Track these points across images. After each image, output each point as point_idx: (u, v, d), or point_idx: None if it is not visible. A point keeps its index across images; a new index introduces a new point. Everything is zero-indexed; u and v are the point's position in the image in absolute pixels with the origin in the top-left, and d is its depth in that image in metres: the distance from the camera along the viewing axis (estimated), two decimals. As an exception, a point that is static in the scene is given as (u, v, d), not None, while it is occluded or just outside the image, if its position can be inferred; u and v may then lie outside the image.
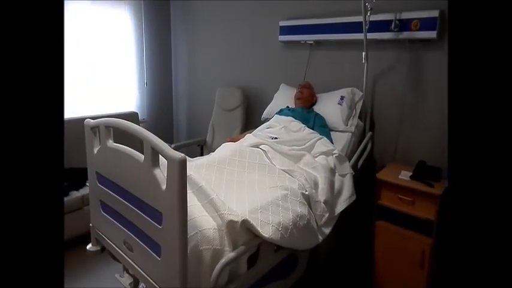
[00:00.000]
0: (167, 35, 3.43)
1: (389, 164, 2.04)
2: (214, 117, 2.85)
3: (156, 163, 0.98)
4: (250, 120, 2.72)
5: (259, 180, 1.44)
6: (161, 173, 0.96)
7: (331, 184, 1.62)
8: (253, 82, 2.80)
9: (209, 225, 1.03)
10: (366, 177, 1.95)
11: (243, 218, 1.06)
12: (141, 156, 1.03)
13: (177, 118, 3.63)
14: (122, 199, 1.13)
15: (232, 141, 1.90)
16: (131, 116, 3.01)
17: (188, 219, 1.03)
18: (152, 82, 3.35)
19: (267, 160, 1.58)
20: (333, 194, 1.61)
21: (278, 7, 2.49)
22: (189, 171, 1.26)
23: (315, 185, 1.54)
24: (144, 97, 3.29)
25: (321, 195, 1.52)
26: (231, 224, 1.03)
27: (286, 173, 1.53)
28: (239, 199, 1.25)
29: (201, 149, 2.87)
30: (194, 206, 1.08)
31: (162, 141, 0.95)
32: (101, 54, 2.90)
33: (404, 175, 1.81)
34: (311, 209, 1.45)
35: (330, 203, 1.55)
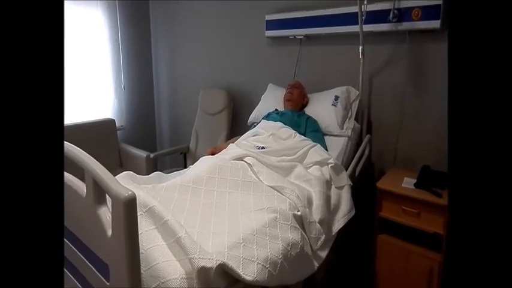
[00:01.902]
0: (146, 34, 3.17)
1: (389, 169, 1.84)
2: (198, 122, 2.61)
3: (100, 200, 0.75)
4: (237, 124, 2.50)
5: (243, 201, 1.23)
6: (107, 213, 0.74)
7: (327, 199, 1.41)
8: (238, 82, 2.57)
9: (175, 274, 0.81)
10: (363, 184, 1.75)
11: (219, 262, 0.84)
12: (84, 189, 0.80)
13: (159, 123, 3.37)
14: (67, 240, 0.90)
15: (213, 153, 1.68)
16: (107, 124, 2.77)
17: (148, 266, 0.81)
18: (131, 85, 3.09)
19: (253, 175, 1.36)
20: (329, 211, 1.41)
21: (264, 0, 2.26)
22: (156, 198, 1.05)
23: (309, 202, 1.33)
24: (122, 102, 3.03)
25: (316, 214, 1.31)
26: (203, 271, 0.81)
27: (275, 190, 1.32)
28: (218, 230, 1.03)
29: (184, 157, 2.64)
30: (157, 247, 0.86)
31: (106, 171, 0.72)
32: (72, 57, 2.63)
33: (408, 183, 1.62)
34: (305, 232, 1.24)
35: (326, 221, 1.35)
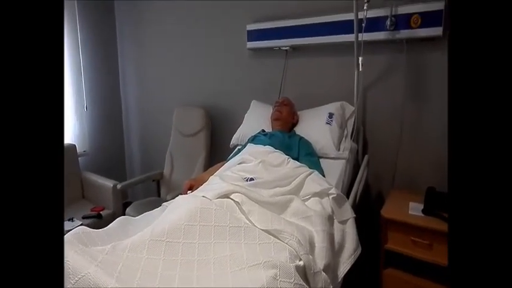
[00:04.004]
0: (112, 47, 2.84)
1: (389, 192, 1.65)
2: (172, 144, 2.32)
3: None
4: (217, 146, 2.24)
5: (232, 255, 0.96)
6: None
7: (331, 239, 1.18)
8: (217, 99, 2.32)
9: None
10: (360, 209, 1.54)
11: None
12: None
13: (129, 147, 3.02)
14: None
15: (191, 187, 1.41)
16: (66, 150, 2.41)
17: None
18: (94, 105, 2.74)
19: (242, 217, 1.11)
20: (334, 252, 1.18)
21: (244, 8, 2.05)
22: (116, 265, 0.77)
23: (311, 244, 1.10)
24: (85, 124, 2.67)
25: (320, 259, 1.08)
26: None
27: (271, 235, 1.06)
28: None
29: (157, 185, 2.33)
30: None
31: None
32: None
33: (415, 209, 1.44)
34: (309, 286, 1.00)
35: (332, 266, 1.12)
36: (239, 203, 1.15)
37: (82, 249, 0.81)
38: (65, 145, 2.43)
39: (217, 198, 1.15)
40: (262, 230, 1.07)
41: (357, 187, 1.47)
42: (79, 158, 2.52)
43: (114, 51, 2.86)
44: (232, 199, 1.16)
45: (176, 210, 1.09)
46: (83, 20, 2.57)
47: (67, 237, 0.90)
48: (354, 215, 1.32)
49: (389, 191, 1.65)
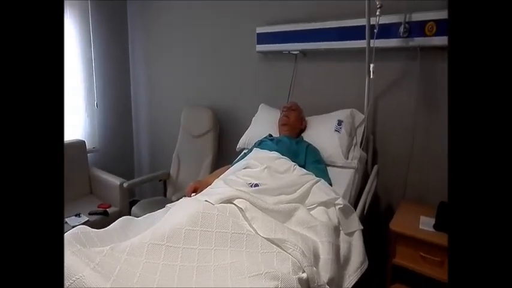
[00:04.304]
0: (123, 45, 2.87)
1: (399, 204, 1.60)
2: (180, 145, 2.32)
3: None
4: (224, 149, 2.22)
5: (233, 263, 0.94)
6: None
7: (337, 251, 1.15)
8: (226, 101, 2.31)
9: None
10: (369, 221, 1.50)
11: None
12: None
13: (138, 146, 3.04)
14: None
15: (196, 189, 1.40)
16: (76, 146, 2.44)
17: None
18: (105, 102, 2.77)
19: (245, 224, 1.08)
20: (339, 264, 1.14)
21: (254, 10, 2.04)
22: (114, 268, 0.76)
23: (315, 256, 1.06)
24: (95, 121, 2.69)
25: (324, 272, 1.04)
26: None
27: (274, 244, 1.03)
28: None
29: (164, 184, 2.32)
30: None
31: None
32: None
33: (426, 224, 1.39)
34: (312, 299, 0.96)
35: (336, 279, 1.08)
36: (242, 209, 1.12)
37: (79, 250, 0.80)
38: (74, 141, 2.46)
39: (221, 203, 1.13)
40: (264, 238, 1.04)
41: (365, 198, 1.43)
42: (88, 154, 2.54)
43: (126, 50, 2.89)
44: (235, 205, 1.14)
45: (178, 213, 1.07)
46: (95, 20, 2.60)
47: (65, 236, 0.89)
48: (361, 227, 1.28)
49: (399, 203, 1.60)
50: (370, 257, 1.27)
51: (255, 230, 1.07)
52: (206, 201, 1.12)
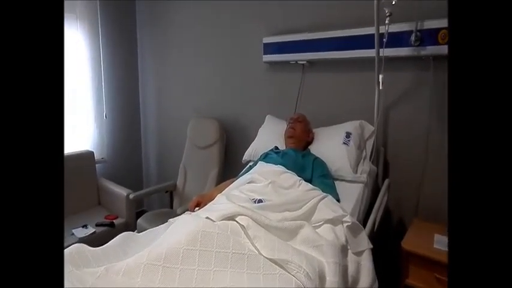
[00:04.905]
0: (132, 57, 2.91)
1: (412, 221, 1.52)
2: (186, 156, 2.30)
3: None
4: (230, 160, 2.19)
5: (233, 286, 0.89)
6: None
7: (344, 272, 1.08)
8: (232, 112, 2.28)
9: None
10: (380, 238, 1.42)
11: None
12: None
13: (146, 156, 3.05)
14: None
15: (199, 203, 1.36)
16: (85, 156, 2.46)
17: None
18: (114, 113, 2.79)
19: (247, 243, 1.04)
20: (347, 286, 1.07)
21: (261, 20, 2.02)
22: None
23: (321, 278, 1.00)
24: (104, 132, 2.72)
25: (331, 295, 0.98)
26: None
27: (277, 265, 0.98)
28: None
29: (170, 196, 2.30)
30: None
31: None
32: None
33: (441, 242, 1.32)
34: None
35: (344, 302, 1.01)
36: (244, 227, 1.08)
37: (71, 272, 0.77)
38: (83, 152, 2.48)
39: (222, 219, 1.09)
40: (267, 258, 0.99)
41: (376, 214, 1.36)
42: (97, 165, 2.56)
43: (135, 63, 2.92)
44: (237, 222, 1.09)
45: (177, 231, 1.03)
46: (105, 32, 2.65)
47: (66, 253, 0.87)
48: (371, 246, 1.21)
49: (412, 221, 1.51)
50: (381, 278, 1.20)
51: (257, 249, 1.02)
52: (207, 218, 1.08)
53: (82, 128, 2.58)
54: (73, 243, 0.97)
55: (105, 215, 2.31)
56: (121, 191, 2.30)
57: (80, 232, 2.08)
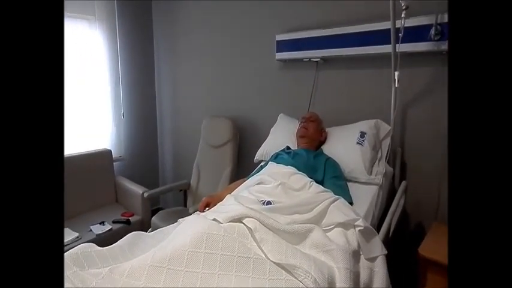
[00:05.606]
0: (149, 57, 2.95)
1: (431, 226, 1.44)
2: (200, 155, 2.31)
3: None
4: (243, 159, 2.17)
5: (237, 290, 0.87)
6: None
7: (356, 279, 1.04)
8: (245, 111, 2.26)
9: None
10: (395, 243, 1.35)
11: None
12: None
13: (162, 155, 3.09)
14: None
15: (208, 204, 1.35)
16: (103, 155, 2.52)
17: None
18: (131, 113, 2.85)
19: (253, 247, 1.01)
20: (359, 294, 1.03)
21: (274, 18, 1.98)
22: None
23: (331, 285, 0.96)
24: (121, 130, 2.78)
25: (341, 303, 0.94)
26: None
27: (284, 270, 0.95)
28: None
29: (184, 194, 2.32)
30: None
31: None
32: (66, 82, 2.42)
33: (462, 249, 1.21)
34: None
35: (355, 311, 0.97)
36: (252, 230, 1.05)
37: (74, 273, 0.78)
38: (101, 150, 2.55)
39: (229, 221, 1.07)
40: (274, 263, 0.97)
41: (391, 218, 1.30)
42: (114, 163, 2.62)
43: (151, 64, 2.96)
44: (245, 224, 1.07)
45: (183, 232, 1.03)
46: (122, 33, 2.70)
47: (69, 254, 0.88)
48: (385, 252, 1.16)
49: (430, 225, 1.43)
50: (396, 286, 1.14)
51: (264, 253, 1.00)
52: (214, 219, 1.07)
53: (101, 127, 2.65)
54: (90, 240, 0.98)
55: (121, 212, 2.37)
56: (137, 189, 2.34)
57: (97, 229, 2.13)
